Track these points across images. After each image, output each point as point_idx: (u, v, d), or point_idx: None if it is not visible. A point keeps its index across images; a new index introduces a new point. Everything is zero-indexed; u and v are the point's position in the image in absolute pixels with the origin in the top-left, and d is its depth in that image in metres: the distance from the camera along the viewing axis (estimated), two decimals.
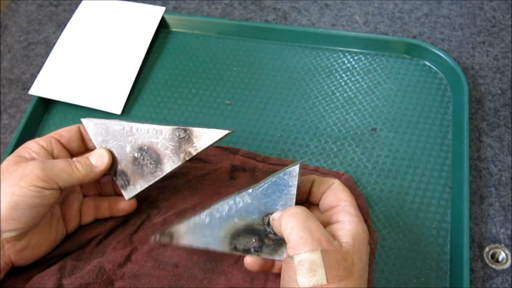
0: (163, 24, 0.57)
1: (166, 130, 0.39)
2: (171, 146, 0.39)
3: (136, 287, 0.39)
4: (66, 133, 0.40)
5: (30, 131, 0.51)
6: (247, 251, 0.36)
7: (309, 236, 0.31)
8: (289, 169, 0.35)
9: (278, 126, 0.49)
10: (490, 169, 0.46)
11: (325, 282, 0.30)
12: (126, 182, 0.40)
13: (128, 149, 0.40)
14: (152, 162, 0.39)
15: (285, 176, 0.35)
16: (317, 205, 0.38)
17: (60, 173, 0.36)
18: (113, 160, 0.40)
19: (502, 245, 0.42)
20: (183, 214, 0.43)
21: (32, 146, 0.38)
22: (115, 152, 0.40)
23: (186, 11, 0.60)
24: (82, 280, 0.40)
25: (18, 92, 0.56)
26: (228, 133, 0.38)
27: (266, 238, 0.36)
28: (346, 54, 0.53)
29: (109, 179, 0.43)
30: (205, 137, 0.38)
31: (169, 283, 0.39)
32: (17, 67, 0.58)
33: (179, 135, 0.39)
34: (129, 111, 0.52)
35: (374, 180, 0.45)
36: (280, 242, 0.36)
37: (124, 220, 0.43)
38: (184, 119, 0.50)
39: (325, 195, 0.37)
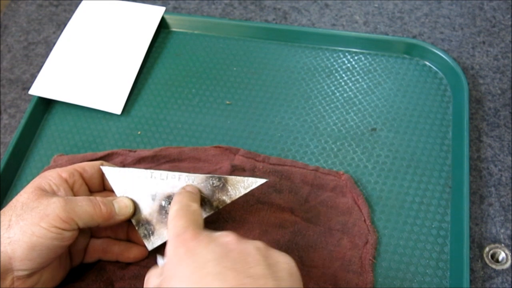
0: (163, 24, 0.57)
1: (198, 178, 0.38)
2: (203, 195, 0.38)
3: (136, 287, 0.39)
4: (90, 168, 0.39)
5: (30, 131, 0.51)
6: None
7: None
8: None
9: (278, 126, 0.49)
10: (490, 169, 0.46)
11: None
12: (150, 232, 0.39)
13: (154, 197, 0.39)
14: None
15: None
16: None
17: (82, 214, 0.35)
18: (137, 210, 0.39)
19: (502, 245, 0.42)
20: None
21: (53, 178, 0.36)
22: (139, 201, 0.39)
23: (186, 11, 0.60)
24: (82, 282, 0.40)
25: (18, 92, 0.56)
26: (265, 182, 0.38)
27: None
28: (346, 54, 0.53)
29: (124, 225, 0.41)
30: (241, 186, 0.38)
31: None
32: (17, 67, 0.58)
33: (213, 183, 0.38)
34: (129, 111, 0.52)
35: (374, 180, 0.45)
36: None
37: None
38: (184, 119, 0.50)
39: None
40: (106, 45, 0.54)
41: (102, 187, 0.41)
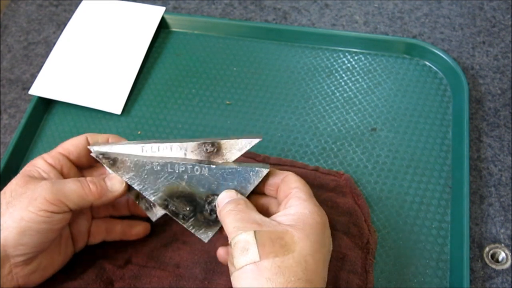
0: (163, 24, 0.57)
1: (191, 146, 0.37)
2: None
3: (136, 287, 0.39)
4: (74, 148, 0.37)
5: (30, 131, 0.51)
6: (175, 215, 0.36)
7: (241, 223, 0.32)
8: (258, 169, 0.35)
9: (278, 126, 0.49)
10: (490, 169, 0.46)
11: (257, 259, 0.29)
12: (151, 204, 0.38)
13: None
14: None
15: (251, 173, 0.35)
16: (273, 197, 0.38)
17: (71, 194, 0.34)
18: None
19: (502, 245, 0.42)
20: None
21: (40, 165, 0.36)
22: None
23: (186, 11, 0.60)
24: (82, 281, 0.40)
25: (18, 92, 0.56)
26: (259, 141, 0.37)
27: (200, 213, 0.36)
28: (346, 54, 0.53)
29: (124, 200, 0.41)
30: (235, 148, 0.37)
31: (170, 283, 0.39)
32: (17, 67, 0.58)
33: (207, 149, 0.37)
34: (129, 111, 0.52)
35: (374, 180, 0.45)
36: (209, 224, 0.36)
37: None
38: (184, 119, 0.50)
39: (280, 188, 0.36)
40: (106, 45, 0.54)
41: (94, 161, 0.39)
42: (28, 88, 0.53)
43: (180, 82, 0.53)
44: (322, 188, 0.44)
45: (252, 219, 0.32)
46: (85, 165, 0.39)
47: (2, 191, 0.34)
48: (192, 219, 0.36)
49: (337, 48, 0.54)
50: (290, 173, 0.36)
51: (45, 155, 0.37)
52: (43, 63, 0.54)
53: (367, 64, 0.52)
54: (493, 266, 0.41)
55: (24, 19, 0.63)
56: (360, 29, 0.57)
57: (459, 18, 0.57)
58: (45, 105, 0.53)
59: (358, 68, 0.52)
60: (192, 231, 0.36)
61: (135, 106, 0.52)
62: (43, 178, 0.35)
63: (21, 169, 0.48)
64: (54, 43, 0.55)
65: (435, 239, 0.42)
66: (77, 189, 0.35)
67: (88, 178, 0.36)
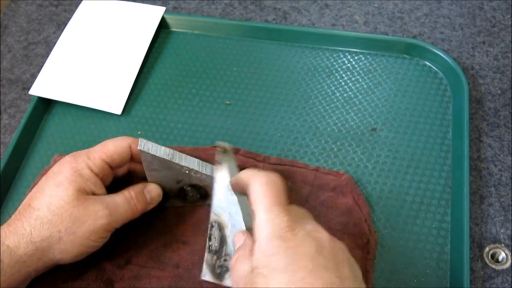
0: (163, 24, 0.57)
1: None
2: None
3: (136, 287, 0.40)
4: (117, 156, 0.38)
5: (30, 131, 0.51)
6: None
7: (235, 278, 0.33)
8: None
9: (278, 126, 0.49)
10: (490, 169, 0.46)
11: None
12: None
13: (180, 182, 0.41)
14: (198, 196, 0.42)
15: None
16: None
17: (122, 220, 0.38)
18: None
19: (502, 245, 0.42)
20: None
21: (88, 176, 0.37)
22: (165, 182, 0.41)
23: (186, 11, 0.60)
24: (82, 281, 0.40)
25: (18, 92, 0.56)
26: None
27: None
28: (346, 54, 0.53)
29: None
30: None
31: (169, 284, 0.39)
32: (17, 67, 0.58)
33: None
34: (129, 111, 0.52)
35: (374, 180, 0.45)
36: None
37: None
38: (184, 119, 0.50)
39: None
40: (106, 45, 0.54)
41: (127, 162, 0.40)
42: (28, 88, 0.53)
43: (180, 82, 0.53)
44: (322, 188, 0.44)
45: (245, 271, 0.31)
46: (119, 168, 0.41)
47: (57, 210, 0.35)
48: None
49: (337, 48, 0.54)
50: (248, 180, 0.34)
51: (89, 162, 0.37)
52: (43, 63, 0.54)
53: (367, 64, 0.52)
54: (493, 266, 0.41)
55: (24, 19, 0.63)
56: (360, 29, 0.57)
57: (459, 18, 0.57)
58: (45, 105, 0.53)
59: (358, 68, 0.52)
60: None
61: (135, 106, 0.52)
62: (93, 192, 0.37)
63: (21, 169, 0.49)
64: (54, 43, 0.55)
65: (435, 239, 0.42)
66: (128, 215, 0.38)
67: (134, 195, 0.38)
